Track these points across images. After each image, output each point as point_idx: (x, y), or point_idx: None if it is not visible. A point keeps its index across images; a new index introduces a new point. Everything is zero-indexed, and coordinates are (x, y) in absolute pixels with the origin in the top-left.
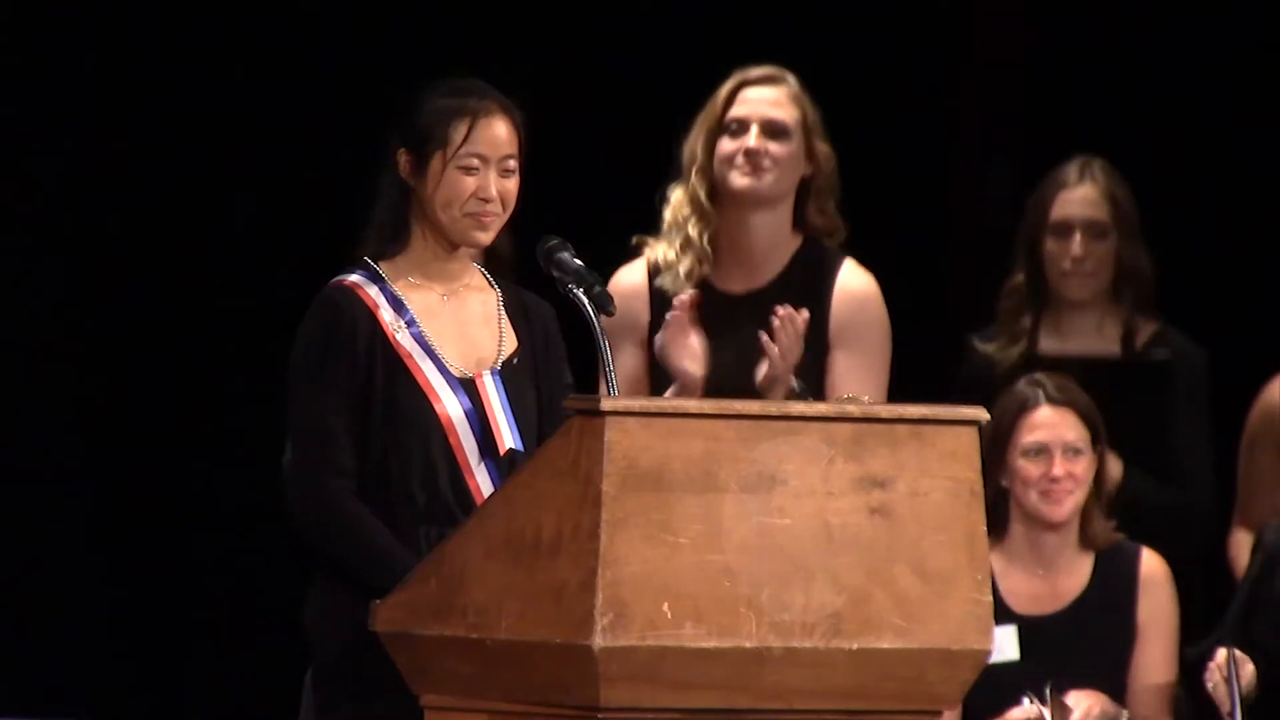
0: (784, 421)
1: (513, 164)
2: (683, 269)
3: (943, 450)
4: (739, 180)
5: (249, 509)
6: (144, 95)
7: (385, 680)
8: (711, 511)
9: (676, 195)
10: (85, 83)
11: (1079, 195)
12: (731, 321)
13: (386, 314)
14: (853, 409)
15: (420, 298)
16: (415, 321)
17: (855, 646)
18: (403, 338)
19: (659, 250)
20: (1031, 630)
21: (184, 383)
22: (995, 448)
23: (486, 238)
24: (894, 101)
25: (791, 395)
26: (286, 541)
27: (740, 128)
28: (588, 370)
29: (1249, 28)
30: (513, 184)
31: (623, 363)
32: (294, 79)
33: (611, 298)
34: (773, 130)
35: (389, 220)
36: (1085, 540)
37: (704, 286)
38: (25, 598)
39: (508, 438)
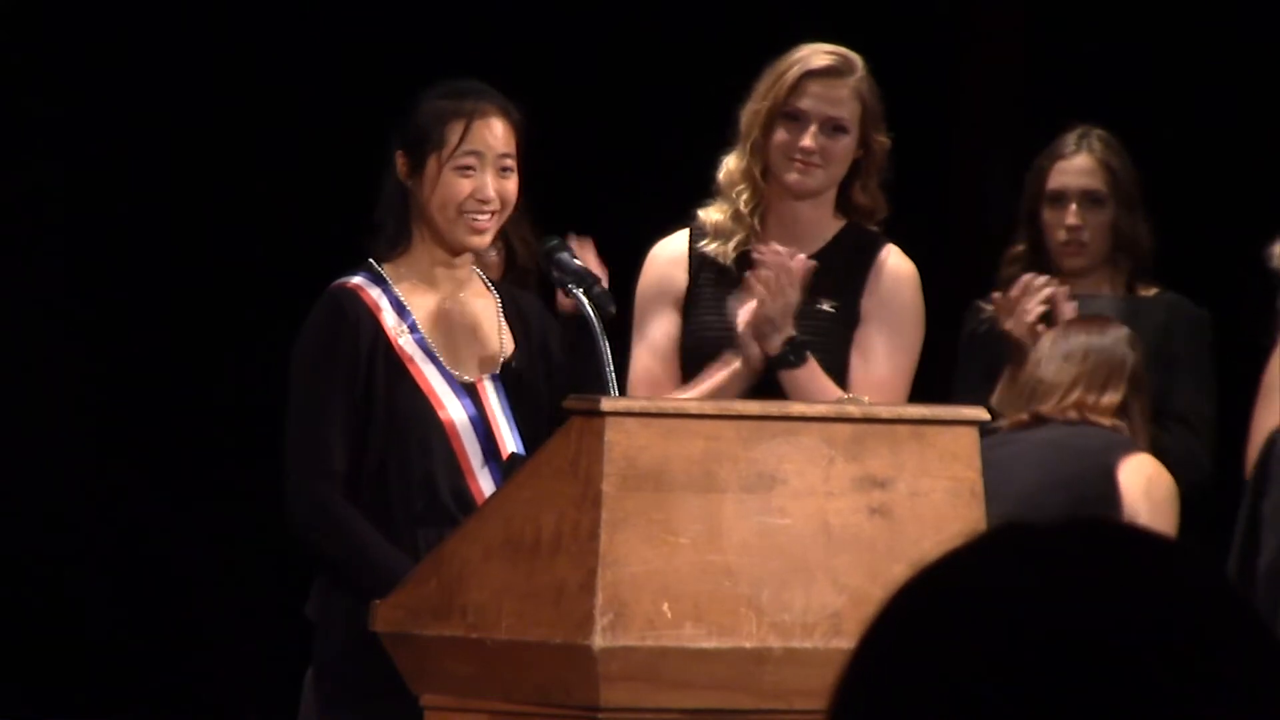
0: (784, 421)
1: (510, 163)
2: (732, 244)
3: (943, 450)
4: (790, 175)
5: (250, 508)
6: (146, 95)
7: (389, 676)
8: (711, 511)
9: (731, 164)
10: (89, 83)
11: (1075, 165)
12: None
13: (389, 318)
14: (853, 409)
15: (422, 302)
16: (417, 326)
17: None
18: (405, 342)
19: (710, 213)
20: None
21: (185, 383)
22: None
23: (482, 241)
24: (894, 96)
25: (789, 345)
26: (288, 540)
27: (800, 120)
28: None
29: (1250, 15)
30: (511, 183)
31: (657, 329)
32: (297, 77)
33: (611, 298)
34: (831, 128)
35: (390, 222)
36: None
37: (745, 255)
38: (26, 598)
39: (509, 441)
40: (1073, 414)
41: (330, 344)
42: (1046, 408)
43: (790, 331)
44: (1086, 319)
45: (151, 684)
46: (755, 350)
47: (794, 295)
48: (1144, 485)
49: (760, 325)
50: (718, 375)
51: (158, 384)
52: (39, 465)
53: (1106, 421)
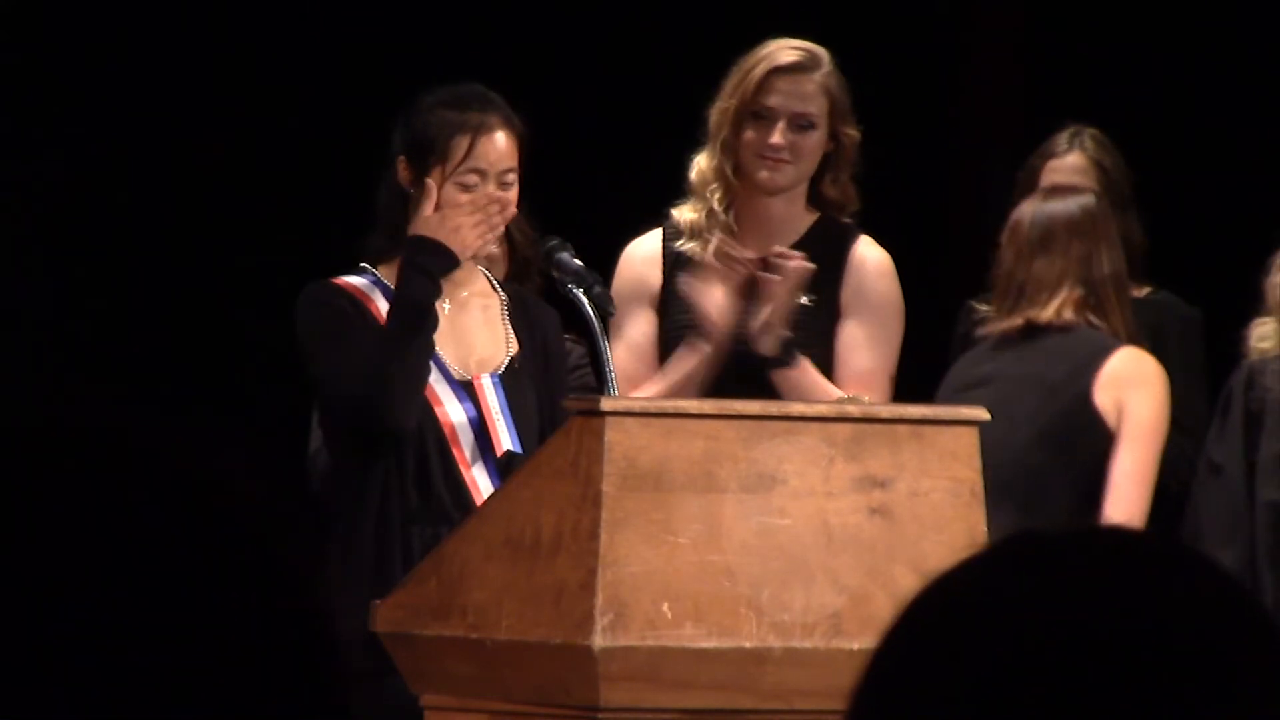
0: (784, 421)
1: (511, 176)
2: (711, 246)
3: (943, 450)
4: (760, 173)
5: (248, 507)
6: (148, 95)
7: (389, 672)
8: (711, 511)
9: (702, 162)
10: (89, 83)
11: (1067, 163)
12: (742, 284)
13: (384, 307)
14: (853, 409)
15: None
16: None
17: (855, 647)
18: None
19: (684, 211)
20: None
21: (185, 383)
22: None
23: (478, 251)
24: (894, 92)
25: (783, 345)
26: (288, 538)
27: (768, 118)
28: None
29: (1250, 15)
30: (511, 195)
31: (634, 328)
32: (297, 77)
33: (611, 298)
34: (799, 125)
35: (387, 225)
36: None
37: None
38: (24, 599)
39: (505, 440)
40: (1069, 314)
41: (329, 308)
42: (1035, 312)
43: (784, 332)
44: (1058, 192)
45: (150, 683)
46: (719, 335)
47: (796, 300)
48: (1127, 384)
49: (765, 329)
50: (684, 362)
51: (155, 384)
52: (40, 465)
53: (1097, 319)
